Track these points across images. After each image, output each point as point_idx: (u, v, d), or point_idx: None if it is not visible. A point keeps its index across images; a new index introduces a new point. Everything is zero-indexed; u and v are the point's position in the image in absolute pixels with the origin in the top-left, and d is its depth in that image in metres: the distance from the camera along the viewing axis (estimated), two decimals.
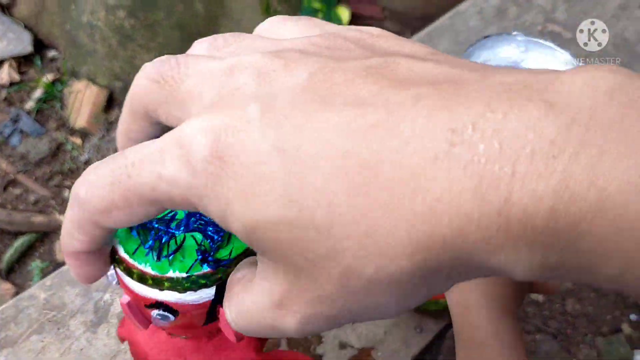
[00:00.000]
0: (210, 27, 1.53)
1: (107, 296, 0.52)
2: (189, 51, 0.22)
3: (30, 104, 1.53)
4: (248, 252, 0.27)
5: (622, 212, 0.13)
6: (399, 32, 0.44)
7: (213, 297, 0.28)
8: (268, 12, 1.50)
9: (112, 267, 0.27)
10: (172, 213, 0.28)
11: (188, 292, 0.27)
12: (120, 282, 0.28)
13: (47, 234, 1.33)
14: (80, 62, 1.56)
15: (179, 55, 0.20)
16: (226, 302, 0.22)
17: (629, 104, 0.14)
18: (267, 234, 0.17)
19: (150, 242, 0.27)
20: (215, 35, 0.22)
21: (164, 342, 0.34)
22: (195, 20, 1.53)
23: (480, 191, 0.14)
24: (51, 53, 1.64)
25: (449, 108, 0.15)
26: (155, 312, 0.28)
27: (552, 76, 0.16)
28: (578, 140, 0.14)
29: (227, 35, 0.22)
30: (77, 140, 1.47)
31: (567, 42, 0.71)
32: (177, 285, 0.26)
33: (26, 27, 1.65)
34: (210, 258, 0.27)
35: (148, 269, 0.26)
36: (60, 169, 1.43)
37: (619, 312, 1.36)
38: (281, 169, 0.16)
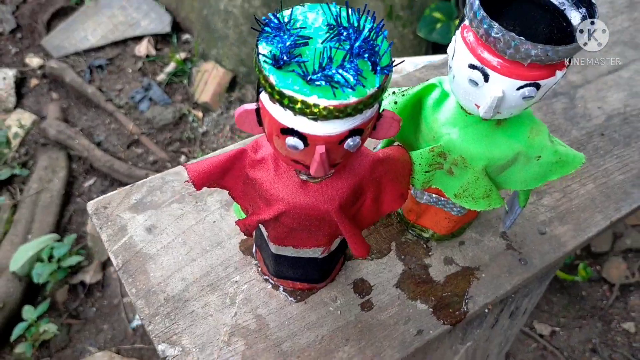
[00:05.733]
0: None
1: None
2: None
3: (161, 77, 1.66)
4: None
5: None
6: None
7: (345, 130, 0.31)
8: (391, 17, 1.56)
9: None
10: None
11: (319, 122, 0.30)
12: (262, 108, 0.32)
13: None
14: (211, 45, 1.69)
15: None
16: None
17: None
18: None
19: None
20: None
21: (284, 180, 0.39)
22: None
23: None
24: (185, 36, 1.78)
25: None
26: (288, 139, 0.32)
27: None
28: None
29: None
30: (199, 114, 1.58)
31: None
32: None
33: (167, 9, 1.80)
34: (378, 67, 0.31)
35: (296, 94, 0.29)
36: (180, 136, 1.54)
37: None
38: None
